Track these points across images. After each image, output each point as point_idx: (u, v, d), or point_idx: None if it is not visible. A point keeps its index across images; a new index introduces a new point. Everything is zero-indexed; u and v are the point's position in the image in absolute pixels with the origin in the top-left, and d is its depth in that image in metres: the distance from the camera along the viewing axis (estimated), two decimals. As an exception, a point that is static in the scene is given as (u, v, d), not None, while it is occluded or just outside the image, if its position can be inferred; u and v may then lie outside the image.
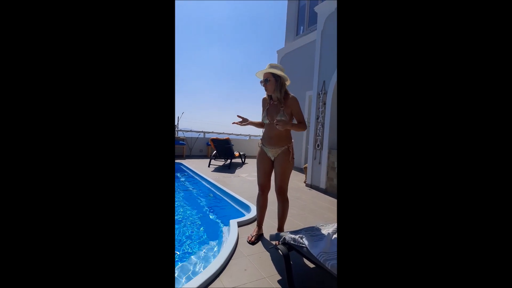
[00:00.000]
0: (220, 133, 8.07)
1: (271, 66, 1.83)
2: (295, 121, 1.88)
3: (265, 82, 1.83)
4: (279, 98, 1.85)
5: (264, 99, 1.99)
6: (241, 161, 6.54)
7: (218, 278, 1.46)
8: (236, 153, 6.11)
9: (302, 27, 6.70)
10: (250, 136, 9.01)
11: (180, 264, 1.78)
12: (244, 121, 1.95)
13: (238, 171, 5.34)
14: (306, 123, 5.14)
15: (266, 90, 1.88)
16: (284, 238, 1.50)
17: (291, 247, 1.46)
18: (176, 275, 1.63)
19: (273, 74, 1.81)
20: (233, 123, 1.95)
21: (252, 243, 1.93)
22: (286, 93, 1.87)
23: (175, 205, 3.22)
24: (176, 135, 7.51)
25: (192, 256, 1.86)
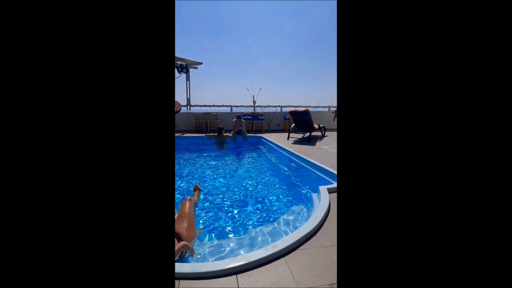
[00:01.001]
0: (298, 106, 7.92)
1: None
2: None
3: None
4: None
5: None
6: (321, 134, 6.29)
7: (315, 236, 1.48)
8: (316, 125, 5.90)
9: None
10: (329, 107, 8.48)
11: (275, 223, 1.90)
12: None
13: (318, 143, 5.18)
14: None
15: None
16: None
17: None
18: (271, 236, 1.75)
19: None
20: None
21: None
22: None
23: (260, 174, 3.42)
24: (254, 111, 7.85)
25: (283, 217, 1.96)
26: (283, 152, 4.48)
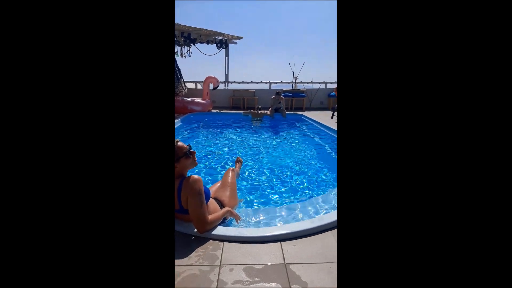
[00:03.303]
0: (343, 83, 7.37)
1: None
2: None
3: None
4: None
5: None
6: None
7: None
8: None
9: None
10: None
11: (319, 199, 1.83)
12: None
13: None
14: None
15: None
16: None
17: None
18: (313, 210, 1.69)
19: None
20: None
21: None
22: None
23: (301, 152, 3.31)
24: (295, 87, 7.54)
25: (324, 194, 1.87)
26: (326, 130, 4.26)
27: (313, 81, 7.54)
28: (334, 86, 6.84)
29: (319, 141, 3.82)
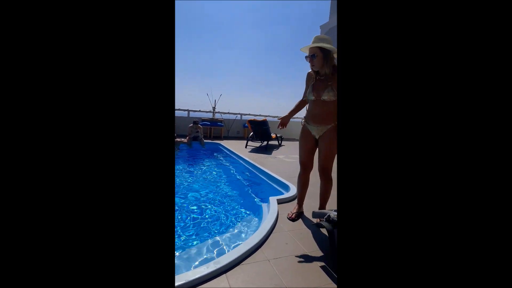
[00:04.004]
0: (257, 115, 8.07)
1: (318, 39, 1.65)
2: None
3: (312, 57, 1.68)
4: (327, 73, 1.71)
5: (309, 74, 1.86)
6: (277, 143, 6.50)
7: (259, 249, 1.48)
8: (273, 135, 6.08)
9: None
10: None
11: (223, 235, 1.86)
12: (284, 123, 1.97)
13: (274, 152, 5.33)
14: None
15: (312, 66, 1.72)
16: (329, 215, 1.44)
17: (335, 224, 1.40)
18: (216, 247, 1.71)
19: (321, 49, 1.66)
20: (279, 124, 1.99)
21: (293, 219, 1.92)
22: (335, 66, 1.72)
23: (214, 182, 3.35)
24: (214, 117, 7.74)
25: (231, 229, 1.93)
26: (239, 160, 4.48)
27: (230, 111, 7.95)
28: (248, 117, 7.40)
29: (232, 170, 3.97)
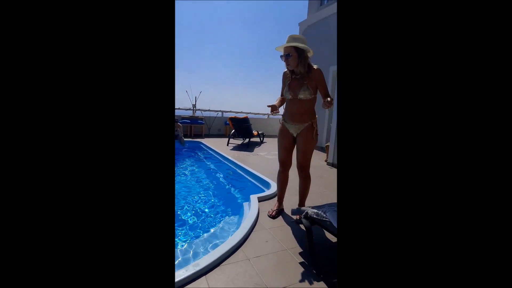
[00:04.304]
0: (239, 112, 8.03)
1: (293, 38, 1.66)
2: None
3: (287, 57, 1.68)
4: (302, 72, 1.73)
5: (285, 73, 1.87)
6: (259, 140, 6.52)
7: (240, 249, 1.49)
8: (255, 132, 6.08)
9: (325, -4, 6.22)
10: (268, 115, 8.89)
11: (204, 235, 1.84)
12: (274, 109, 1.76)
13: (256, 149, 5.34)
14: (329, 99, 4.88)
15: (287, 65, 1.73)
16: (307, 212, 1.48)
17: (313, 221, 1.44)
18: (197, 249, 1.69)
19: (296, 48, 1.66)
20: (271, 110, 1.76)
21: (273, 217, 1.95)
22: (309, 65, 1.74)
23: (196, 182, 3.31)
24: (194, 115, 7.59)
25: (212, 229, 1.92)
26: (221, 158, 4.45)
27: (210, 109, 7.83)
28: (230, 115, 7.35)
29: (214, 169, 3.94)
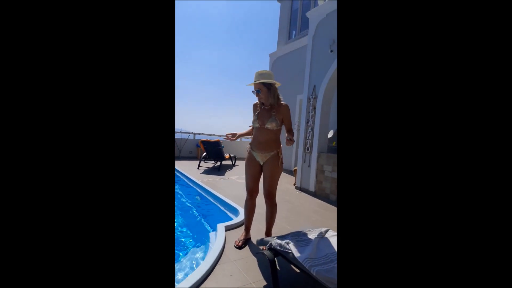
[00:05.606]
0: (211, 135, 8.01)
1: (260, 75, 1.83)
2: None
3: (257, 92, 1.85)
4: (272, 103, 1.86)
5: (255, 104, 1.99)
6: (231, 163, 6.50)
7: (203, 284, 1.43)
8: (227, 155, 6.08)
9: (294, 32, 6.77)
10: (241, 138, 8.98)
11: (164, 269, 1.73)
12: (234, 136, 1.96)
13: (228, 173, 5.31)
14: (297, 126, 5.10)
15: (259, 99, 1.89)
16: (271, 243, 1.49)
17: (277, 252, 1.46)
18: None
19: (264, 83, 1.82)
20: (226, 136, 1.95)
21: (239, 247, 1.92)
22: (279, 98, 1.89)
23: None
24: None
25: (177, 263, 1.83)
26: (190, 184, 4.33)
27: (182, 131, 7.71)
28: (202, 137, 7.29)
29: (182, 194, 3.80)
